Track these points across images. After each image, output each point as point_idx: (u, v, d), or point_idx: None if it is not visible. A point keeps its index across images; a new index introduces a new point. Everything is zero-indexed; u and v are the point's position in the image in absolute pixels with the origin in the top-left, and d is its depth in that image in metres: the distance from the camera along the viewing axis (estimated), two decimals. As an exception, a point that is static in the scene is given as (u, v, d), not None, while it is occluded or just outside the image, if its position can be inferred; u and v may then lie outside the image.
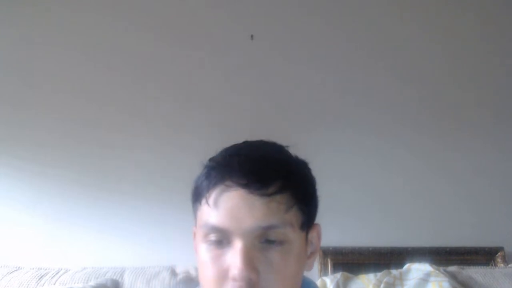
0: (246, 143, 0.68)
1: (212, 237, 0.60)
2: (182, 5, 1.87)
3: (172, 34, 1.84)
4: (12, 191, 1.69)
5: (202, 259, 0.62)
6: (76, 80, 1.79)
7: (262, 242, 0.59)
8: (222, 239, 0.60)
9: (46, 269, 1.42)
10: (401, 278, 1.32)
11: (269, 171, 0.60)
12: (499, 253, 1.63)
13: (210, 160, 0.66)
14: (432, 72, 1.85)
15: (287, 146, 0.69)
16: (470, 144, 1.78)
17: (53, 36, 1.83)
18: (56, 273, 1.40)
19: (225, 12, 1.87)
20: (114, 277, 1.37)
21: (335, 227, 1.59)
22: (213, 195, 0.61)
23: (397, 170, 1.75)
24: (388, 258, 1.60)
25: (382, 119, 1.79)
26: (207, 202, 0.61)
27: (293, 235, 0.61)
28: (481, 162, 1.76)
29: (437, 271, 1.31)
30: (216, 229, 0.60)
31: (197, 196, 0.65)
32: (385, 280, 1.30)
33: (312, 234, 0.68)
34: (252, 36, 1.83)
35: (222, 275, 0.59)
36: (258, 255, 0.58)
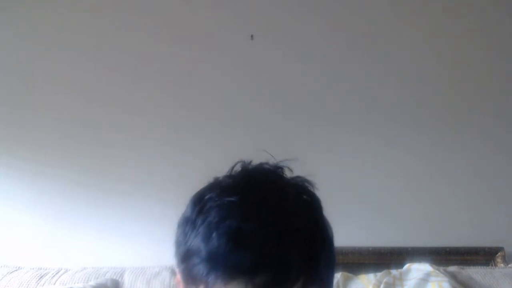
0: (245, 200, 0.50)
1: None
2: (182, 5, 1.87)
3: (172, 34, 1.84)
4: (12, 191, 1.69)
5: None
6: (76, 80, 1.79)
7: None
8: None
9: (46, 269, 1.42)
10: (401, 278, 1.32)
11: (292, 270, 0.47)
12: (499, 253, 1.63)
13: (204, 229, 0.50)
14: (432, 72, 1.85)
15: (287, 167, 0.56)
16: (470, 144, 1.78)
17: (53, 36, 1.83)
18: (56, 273, 1.40)
19: (225, 12, 1.87)
20: (114, 277, 1.37)
21: (335, 227, 1.58)
22: None
23: (397, 170, 1.75)
24: (388, 258, 1.60)
25: (382, 119, 1.79)
26: None
27: None
28: (481, 162, 1.76)
29: (437, 271, 1.31)
30: None
31: (189, 278, 0.52)
32: (385, 280, 1.30)
33: None
34: (252, 36, 1.83)
35: None
36: None
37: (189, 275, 0.51)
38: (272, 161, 0.56)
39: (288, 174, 0.56)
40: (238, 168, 0.56)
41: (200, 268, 0.49)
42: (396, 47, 1.87)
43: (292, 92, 1.81)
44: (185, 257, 0.52)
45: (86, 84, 1.79)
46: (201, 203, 0.52)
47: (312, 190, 0.56)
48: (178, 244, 0.54)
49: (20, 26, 1.84)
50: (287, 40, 1.85)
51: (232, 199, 0.50)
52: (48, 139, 1.72)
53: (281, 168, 0.55)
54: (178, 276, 0.56)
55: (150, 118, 1.76)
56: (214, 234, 0.48)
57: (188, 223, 0.53)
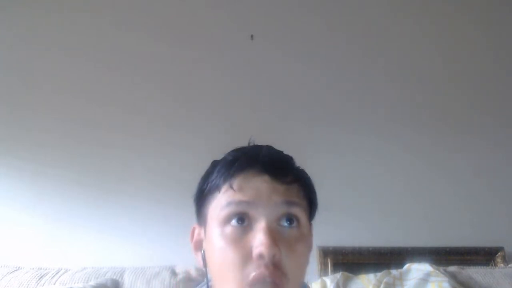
0: (248, 146, 0.72)
1: (233, 218, 0.63)
2: (182, 5, 1.87)
3: (172, 34, 1.84)
4: (12, 191, 1.68)
5: (220, 244, 0.63)
6: (76, 80, 1.79)
7: (281, 224, 0.64)
8: (244, 218, 0.63)
9: (46, 269, 1.42)
10: (401, 278, 1.32)
11: (287, 164, 0.68)
12: (499, 253, 1.63)
13: (221, 160, 0.70)
14: (432, 72, 1.85)
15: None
16: (470, 144, 1.78)
17: (53, 36, 1.83)
18: (56, 273, 1.40)
19: (225, 12, 1.87)
20: (114, 277, 1.37)
21: (335, 227, 1.59)
22: (236, 182, 0.64)
23: (397, 170, 1.75)
24: (388, 258, 1.60)
25: (382, 119, 1.79)
26: (231, 187, 0.64)
27: (305, 220, 0.67)
28: (481, 162, 1.77)
29: (437, 271, 1.31)
30: (241, 206, 0.63)
31: (213, 190, 0.67)
32: (385, 280, 1.30)
33: (311, 231, 0.71)
34: (252, 36, 1.83)
35: (245, 256, 0.61)
36: (279, 235, 0.62)
37: (211, 189, 0.67)
38: None
39: None
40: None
41: (221, 173, 0.66)
42: (397, 47, 1.87)
43: (292, 92, 1.81)
44: (207, 185, 0.69)
45: (86, 84, 1.79)
46: (217, 160, 0.71)
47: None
48: (199, 186, 0.71)
49: (20, 26, 1.84)
50: (287, 40, 1.85)
51: (240, 147, 0.71)
52: (48, 139, 1.72)
53: None
54: (195, 225, 0.72)
55: (150, 118, 1.76)
56: (232, 153, 0.69)
57: (208, 172, 0.70)
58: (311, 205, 0.70)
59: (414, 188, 1.73)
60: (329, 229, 1.59)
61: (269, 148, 0.70)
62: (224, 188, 0.65)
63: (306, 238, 0.66)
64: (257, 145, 0.72)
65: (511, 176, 1.75)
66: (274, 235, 0.61)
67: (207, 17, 1.85)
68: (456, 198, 1.72)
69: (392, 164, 1.75)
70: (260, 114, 1.78)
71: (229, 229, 0.63)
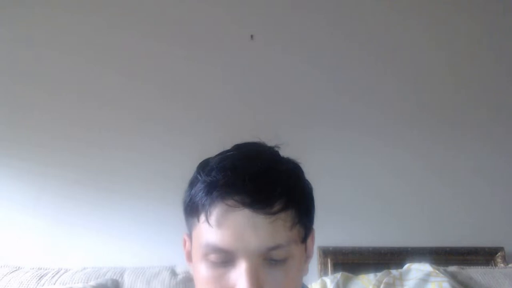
0: (240, 151, 0.64)
1: (214, 257, 0.59)
2: (182, 5, 1.87)
3: (171, 34, 1.84)
4: (12, 191, 1.68)
5: (202, 277, 0.61)
6: (76, 80, 1.79)
7: (267, 260, 0.59)
8: (225, 259, 0.59)
9: (46, 269, 1.42)
10: (401, 278, 1.32)
11: (273, 189, 0.59)
12: (499, 253, 1.63)
13: (205, 173, 0.62)
14: (432, 72, 1.85)
15: (279, 146, 0.69)
16: (470, 144, 1.78)
17: (53, 36, 1.83)
18: (56, 273, 1.40)
19: (225, 12, 1.87)
20: (114, 277, 1.37)
21: (335, 227, 1.59)
22: (214, 214, 0.59)
23: (397, 170, 1.75)
24: (388, 258, 1.60)
25: (382, 119, 1.79)
26: (207, 221, 0.59)
27: (296, 250, 0.61)
28: (481, 162, 1.76)
29: (437, 271, 1.31)
30: (219, 250, 0.58)
31: (193, 211, 0.62)
32: (385, 280, 1.30)
33: (309, 241, 0.68)
34: (252, 36, 1.83)
35: None
36: (263, 273, 0.58)
37: (193, 210, 0.62)
38: None
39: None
40: (239, 143, 0.68)
41: (202, 197, 0.60)
42: (396, 47, 1.87)
43: (292, 92, 1.81)
44: (190, 200, 0.63)
45: (86, 85, 1.79)
46: (204, 165, 0.65)
47: (297, 162, 0.68)
48: (185, 197, 0.66)
49: (20, 26, 1.84)
50: (287, 40, 1.85)
51: (230, 151, 0.65)
52: (48, 139, 1.72)
53: (275, 146, 0.69)
54: (184, 235, 0.68)
55: (150, 118, 1.76)
56: (213, 171, 0.61)
57: (193, 180, 0.65)
58: (308, 220, 0.65)
59: (414, 188, 1.73)
60: (329, 229, 1.60)
61: (251, 163, 0.60)
62: (202, 217, 0.60)
63: (297, 266, 0.62)
64: (239, 153, 0.63)
65: (511, 176, 1.75)
66: (258, 275, 0.57)
67: (207, 17, 1.85)
68: (456, 198, 1.72)
69: (392, 164, 1.75)
70: (260, 114, 1.78)
71: (210, 264, 0.60)
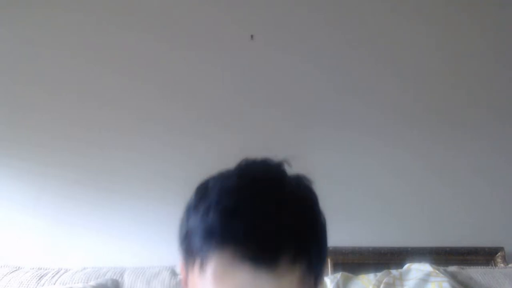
0: (243, 183, 0.54)
1: None
2: (182, 5, 1.87)
3: (172, 34, 1.84)
4: (12, 191, 1.69)
5: None
6: (76, 80, 1.79)
7: None
8: None
9: (46, 269, 1.42)
10: (401, 278, 1.32)
11: (281, 242, 0.50)
12: (499, 253, 1.63)
13: (203, 209, 0.53)
14: (432, 72, 1.85)
15: (288, 163, 0.59)
16: (470, 144, 1.78)
17: (54, 36, 1.83)
18: (56, 273, 1.40)
19: (225, 12, 1.87)
20: (114, 277, 1.37)
21: (335, 227, 1.58)
22: (210, 267, 0.51)
23: (397, 170, 1.75)
24: (388, 258, 1.60)
25: (382, 119, 1.79)
26: (203, 270, 0.52)
27: None
28: (481, 162, 1.76)
29: (437, 271, 1.31)
30: None
31: (188, 252, 0.55)
32: (385, 280, 1.30)
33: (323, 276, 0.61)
34: (252, 36, 1.83)
35: None
36: None
37: (188, 251, 0.55)
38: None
39: (288, 170, 0.58)
40: (243, 162, 0.59)
41: (197, 241, 0.53)
42: (397, 47, 1.87)
43: (292, 92, 1.81)
44: (185, 236, 0.56)
45: (86, 85, 1.79)
46: (203, 190, 0.56)
47: (310, 186, 0.59)
48: (181, 228, 0.58)
49: (20, 26, 1.84)
50: (287, 40, 1.85)
51: (231, 182, 0.54)
52: (48, 139, 1.72)
53: (283, 163, 0.58)
54: (181, 263, 0.60)
55: (150, 118, 1.76)
56: (211, 213, 0.52)
57: (190, 209, 0.56)
58: (321, 267, 0.57)
59: (414, 188, 1.73)
60: (329, 229, 1.59)
61: (262, 212, 0.51)
62: (197, 263, 0.53)
63: None
64: (249, 194, 0.52)
65: (511, 176, 1.75)
66: None
67: (207, 17, 1.85)
68: (456, 198, 1.72)
69: (392, 164, 1.75)
70: (260, 114, 1.78)
71: None
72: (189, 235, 0.55)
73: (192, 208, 0.56)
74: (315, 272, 0.55)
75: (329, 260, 1.60)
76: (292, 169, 0.59)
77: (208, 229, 0.52)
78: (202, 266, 0.52)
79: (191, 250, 0.54)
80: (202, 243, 0.52)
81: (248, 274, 0.49)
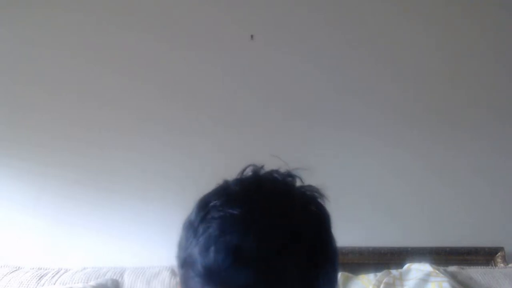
0: (250, 212, 0.49)
1: None
2: (182, 5, 1.87)
3: (172, 34, 1.84)
4: (12, 191, 1.69)
5: None
6: (76, 80, 1.79)
7: None
8: None
9: (46, 269, 1.43)
10: (401, 278, 1.32)
11: (286, 284, 0.47)
12: (499, 253, 1.63)
13: (203, 240, 0.49)
14: (432, 72, 1.85)
15: (297, 176, 0.55)
16: (470, 144, 1.78)
17: (54, 36, 1.83)
18: (56, 273, 1.40)
19: (225, 12, 1.87)
20: (114, 277, 1.37)
21: (335, 227, 1.58)
22: None
23: (397, 170, 1.75)
24: (388, 258, 1.60)
25: (382, 119, 1.79)
26: None
27: None
28: (481, 162, 1.76)
29: (437, 271, 1.31)
30: None
31: (186, 280, 0.51)
32: (385, 280, 1.30)
33: None
34: (252, 36, 1.83)
35: None
36: None
37: (185, 284, 0.51)
38: (283, 166, 0.55)
39: (299, 182, 0.55)
40: (248, 172, 0.54)
41: (196, 281, 0.48)
42: (397, 47, 1.87)
43: (292, 92, 1.81)
44: (184, 264, 0.52)
45: (86, 85, 1.79)
46: (205, 209, 0.51)
47: (321, 202, 0.54)
48: (180, 248, 0.54)
49: (20, 26, 1.84)
50: (287, 40, 1.85)
51: (235, 212, 0.49)
52: (48, 139, 1.72)
53: (292, 177, 0.54)
54: (178, 279, 0.56)
55: (150, 118, 1.76)
56: (212, 248, 0.47)
57: (190, 229, 0.52)
58: None
59: (414, 188, 1.73)
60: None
61: (267, 251, 0.47)
62: None
63: None
64: (253, 230, 0.47)
65: (511, 176, 1.75)
66: None
67: (207, 17, 1.85)
68: (456, 198, 1.72)
69: (392, 164, 1.75)
70: (260, 114, 1.78)
71: None
72: (187, 265, 0.51)
73: (193, 229, 0.51)
74: None
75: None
76: (302, 181, 0.55)
77: (208, 270, 0.47)
78: None
79: (188, 283, 0.50)
80: (201, 283, 0.48)
81: None
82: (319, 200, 0.54)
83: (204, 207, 0.51)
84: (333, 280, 0.53)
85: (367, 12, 1.89)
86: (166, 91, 1.79)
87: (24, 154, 1.70)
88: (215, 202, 0.51)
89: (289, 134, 1.74)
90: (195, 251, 0.49)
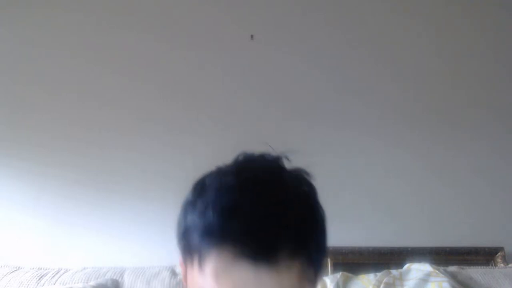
0: (241, 180, 0.54)
1: None
2: (182, 5, 1.87)
3: (172, 34, 1.84)
4: (12, 191, 1.69)
5: None
6: (76, 80, 1.79)
7: None
8: None
9: (46, 269, 1.42)
10: (401, 278, 1.32)
11: (280, 238, 0.51)
12: (499, 253, 1.63)
13: (201, 207, 0.53)
14: (431, 72, 1.85)
15: (286, 157, 0.59)
16: (469, 144, 1.78)
17: (54, 36, 1.83)
18: (56, 273, 1.40)
19: (225, 12, 1.87)
20: (114, 277, 1.37)
21: (335, 227, 1.58)
22: (210, 264, 0.52)
23: (397, 170, 1.75)
24: (388, 258, 1.60)
25: (382, 119, 1.79)
26: (201, 268, 0.52)
27: None
28: (481, 162, 1.76)
29: (437, 271, 1.31)
30: None
31: (187, 249, 0.56)
32: (385, 280, 1.30)
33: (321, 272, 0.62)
34: (252, 36, 1.83)
35: None
36: None
37: (186, 248, 0.56)
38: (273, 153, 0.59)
39: (287, 165, 0.58)
40: (241, 157, 0.59)
41: (196, 238, 0.53)
42: (397, 47, 1.87)
43: (292, 92, 1.81)
44: (184, 233, 0.56)
45: (86, 85, 1.79)
46: (201, 185, 0.56)
47: (309, 180, 0.58)
48: (179, 225, 0.58)
49: (20, 26, 1.84)
50: (287, 40, 1.85)
51: (230, 180, 0.54)
52: (48, 139, 1.72)
53: (281, 158, 0.58)
54: (180, 258, 0.61)
55: (150, 118, 1.76)
56: (210, 210, 0.52)
57: (188, 205, 0.56)
58: (320, 261, 0.58)
59: (414, 188, 1.73)
60: (329, 229, 1.59)
61: (261, 210, 0.51)
62: (196, 260, 0.53)
63: None
64: (247, 192, 0.52)
65: (511, 176, 1.75)
66: None
67: (207, 17, 1.85)
68: (456, 198, 1.72)
69: (392, 164, 1.75)
70: (260, 114, 1.78)
71: None
72: (187, 233, 0.55)
73: (190, 205, 0.56)
74: (315, 266, 0.56)
75: (329, 260, 1.60)
76: (290, 163, 0.59)
77: (206, 227, 0.52)
78: (201, 264, 0.52)
79: (189, 248, 0.55)
80: (201, 241, 0.52)
81: (248, 271, 0.50)
82: (306, 176, 0.58)
83: (200, 184, 0.57)
84: (323, 247, 0.58)
85: (367, 12, 1.89)
86: (166, 91, 1.79)
87: (24, 154, 1.70)
88: (210, 178, 0.56)
89: (289, 134, 1.74)
90: (194, 217, 0.54)
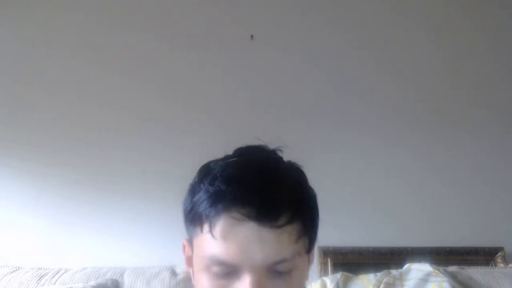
0: (243, 159, 0.63)
1: (217, 269, 0.59)
2: (182, 5, 1.87)
3: (172, 34, 1.84)
4: (12, 191, 1.69)
5: (203, 286, 0.61)
6: (76, 80, 1.80)
7: (271, 272, 0.59)
8: (228, 271, 0.58)
9: (46, 269, 1.42)
10: (401, 278, 1.32)
11: (280, 202, 0.58)
12: (499, 253, 1.63)
13: (208, 181, 0.61)
14: (432, 72, 1.85)
15: (280, 149, 0.67)
16: (469, 145, 1.78)
17: (54, 36, 1.83)
18: (56, 273, 1.40)
19: (225, 12, 1.87)
20: (114, 277, 1.37)
21: (335, 227, 1.59)
22: (219, 227, 0.58)
23: (397, 170, 1.75)
24: (388, 258, 1.60)
25: (382, 119, 1.79)
26: (211, 232, 0.58)
27: (300, 262, 0.62)
28: (481, 162, 1.76)
29: (437, 271, 1.31)
30: (223, 263, 0.58)
31: (195, 220, 0.62)
32: (385, 280, 1.30)
33: (310, 261, 0.68)
34: (252, 36, 1.83)
35: None
36: (267, 285, 0.58)
37: (195, 219, 0.62)
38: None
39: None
40: (241, 146, 0.66)
41: (205, 207, 0.59)
42: (397, 48, 1.87)
43: (291, 92, 1.81)
44: (192, 208, 0.62)
45: (86, 85, 1.79)
46: (206, 169, 0.64)
47: (300, 167, 0.67)
48: (185, 203, 0.65)
49: (20, 26, 1.84)
50: (287, 40, 1.85)
51: (233, 160, 0.62)
52: (48, 139, 1.72)
53: (276, 150, 0.67)
54: (184, 240, 0.68)
55: (150, 118, 1.76)
56: (217, 181, 0.59)
57: (195, 185, 0.64)
58: (313, 231, 0.65)
59: (414, 188, 1.73)
60: (329, 229, 1.59)
61: (257, 173, 0.59)
62: (205, 228, 0.59)
63: (301, 276, 0.63)
64: (250, 166, 0.61)
65: (511, 176, 1.75)
66: (262, 286, 0.57)
67: (207, 17, 1.85)
68: (456, 198, 1.72)
69: (392, 164, 1.75)
70: (260, 114, 1.78)
71: (212, 275, 0.60)
72: (195, 206, 0.61)
73: (197, 184, 0.63)
74: (309, 236, 0.63)
75: (329, 260, 1.60)
76: (284, 155, 0.67)
77: (216, 195, 0.59)
78: (211, 228, 0.58)
79: (199, 218, 0.61)
80: (211, 208, 0.59)
81: (253, 229, 0.57)
82: (297, 165, 0.67)
83: (205, 168, 0.64)
84: (315, 220, 0.65)
85: (367, 12, 1.89)
86: (166, 91, 1.79)
87: (24, 154, 1.70)
88: (214, 162, 0.64)
89: (289, 134, 1.74)
90: (202, 191, 0.61)
